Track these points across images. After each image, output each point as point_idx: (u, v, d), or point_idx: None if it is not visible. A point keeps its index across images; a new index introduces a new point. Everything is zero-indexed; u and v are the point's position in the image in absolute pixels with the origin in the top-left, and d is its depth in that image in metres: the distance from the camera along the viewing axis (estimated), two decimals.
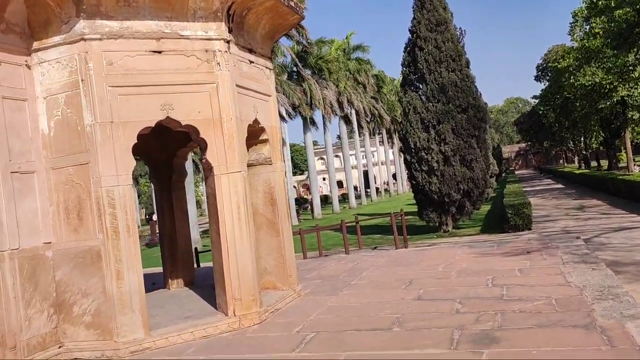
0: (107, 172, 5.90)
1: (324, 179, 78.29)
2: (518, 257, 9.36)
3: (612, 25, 24.96)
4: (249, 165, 7.85)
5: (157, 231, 31.23)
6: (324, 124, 43.79)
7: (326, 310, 6.91)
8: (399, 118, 65.04)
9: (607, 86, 34.47)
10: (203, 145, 6.52)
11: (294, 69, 38.72)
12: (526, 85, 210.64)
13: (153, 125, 6.24)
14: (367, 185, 63.47)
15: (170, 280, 9.25)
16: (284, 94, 32.34)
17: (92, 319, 5.95)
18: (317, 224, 18.26)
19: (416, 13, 19.90)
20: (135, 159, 6.83)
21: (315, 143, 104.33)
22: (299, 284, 8.77)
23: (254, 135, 7.65)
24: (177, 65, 6.37)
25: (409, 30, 20.30)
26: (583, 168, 66.05)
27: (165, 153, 9.08)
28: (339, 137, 50.08)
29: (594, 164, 62.89)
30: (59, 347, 5.99)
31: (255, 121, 7.33)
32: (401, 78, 20.89)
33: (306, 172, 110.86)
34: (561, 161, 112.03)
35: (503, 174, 57.78)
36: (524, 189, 28.30)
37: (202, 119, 6.44)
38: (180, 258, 9.17)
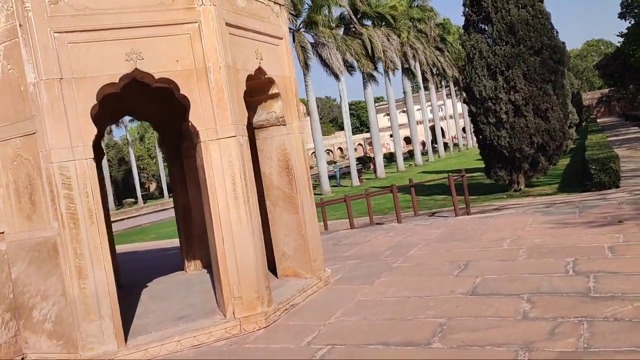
0: (59, 144, 4.61)
1: (391, 135, 75.94)
2: (607, 229, 7.44)
3: None
4: (258, 128, 6.41)
5: None
6: (387, 77, 41.45)
7: (353, 308, 5.45)
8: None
9: None
10: (187, 105, 5.11)
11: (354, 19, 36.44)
12: (607, 26, 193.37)
13: (117, 81, 4.85)
14: (435, 140, 60.70)
15: (187, 262, 8.10)
16: (337, 49, 30.42)
17: (53, 327, 4.80)
18: (368, 190, 16.69)
19: None
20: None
21: (380, 99, 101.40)
22: (334, 264, 7.37)
23: (261, 89, 6.15)
24: (146, 0, 4.93)
25: None
26: None
27: (172, 115, 7.77)
28: (404, 92, 47.47)
29: None
30: (21, 359, 4.92)
31: (259, 71, 5.81)
32: (464, 20, 18.50)
33: None
34: None
35: (583, 123, 53.28)
36: (608, 139, 25.23)
37: (181, 70, 5.00)
38: (196, 235, 7.96)
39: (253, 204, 5.31)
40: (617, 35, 53.62)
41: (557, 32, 16.91)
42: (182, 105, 5.22)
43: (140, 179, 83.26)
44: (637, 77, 55.51)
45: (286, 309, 5.55)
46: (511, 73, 16.48)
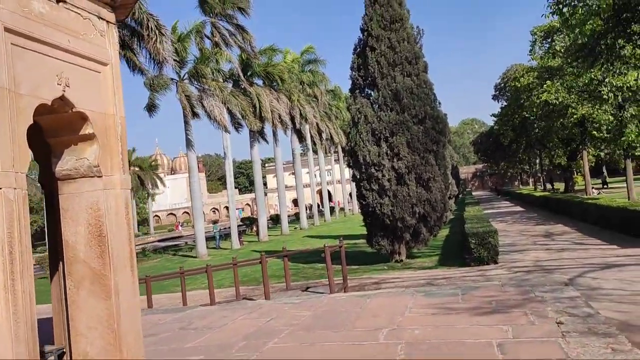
0: None
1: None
2: (493, 318, 6.50)
3: (579, 37, 22.81)
4: (63, 179, 4.74)
5: None
6: (275, 137, 40.83)
7: None
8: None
9: (568, 105, 33.01)
10: None
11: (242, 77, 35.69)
12: (482, 106, 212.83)
13: None
14: (322, 204, 60.66)
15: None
16: (223, 102, 29.20)
17: None
18: (234, 259, 15.11)
19: (368, 9, 17.24)
20: None
21: (270, 160, 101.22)
22: None
23: (69, 127, 4.55)
24: None
25: (360, 28, 17.62)
26: (539, 190, 65.30)
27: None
28: (293, 153, 47.08)
29: (548, 186, 62.11)
30: None
31: (63, 101, 4.23)
32: (351, 83, 18.13)
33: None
34: (516, 183, 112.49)
35: (460, 195, 56.08)
36: (484, 212, 25.96)
37: None
38: None
39: (24, 290, 3.59)
40: (491, 116, 58.00)
41: (440, 103, 16.89)
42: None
43: None
44: (507, 155, 59.89)
45: None
46: (395, 140, 16.11)
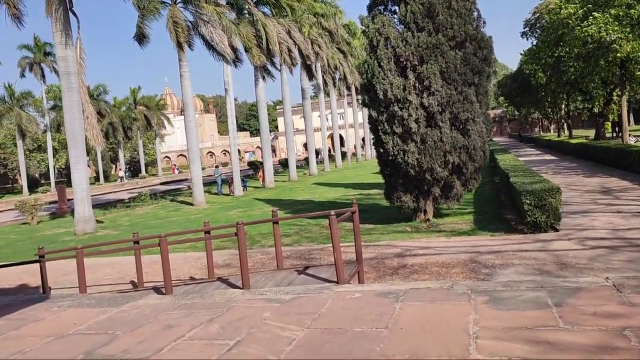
0: None
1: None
2: None
3: None
4: None
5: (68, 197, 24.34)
6: (283, 72, 36.98)
7: None
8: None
9: (613, 42, 28.91)
10: None
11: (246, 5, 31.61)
12: (503, 48, 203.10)
13: None
14: (333, 149, 57.32)
15: None
16: (224, 31, 25.37)
17: None
18: (206, 223, 12.08)
19: None
20: None
21: (279, 103, 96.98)
22: None
23: None
24: None
25: None
26: (563, 136, 61.25)
27: None
28: (302, 91, 43.29)
29: (564, 133, 58.18)
30: None
31: None
32: None
33: (272, 133, 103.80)
34: (536, 129, 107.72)
35: None
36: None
37: None
38: None
39: None
40: (520, 54, 53.30)
41: (484, 23, 13.20)
42: None
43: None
44: (536, 98, 55.66)
45: None
46: (426, 69, 12.61)
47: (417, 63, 12.85)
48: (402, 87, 12.90)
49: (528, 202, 10.63)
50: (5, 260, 13.04)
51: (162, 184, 59.29)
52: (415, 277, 8.08)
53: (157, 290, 7.60)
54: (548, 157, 36.17)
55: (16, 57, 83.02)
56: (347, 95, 63.54)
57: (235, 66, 29.70)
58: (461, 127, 12.87)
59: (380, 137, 13.50)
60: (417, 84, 12.85)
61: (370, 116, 13.82)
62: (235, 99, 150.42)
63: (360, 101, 56.96)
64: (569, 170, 24.20)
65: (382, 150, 13.79)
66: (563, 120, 71.46)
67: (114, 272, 10.73)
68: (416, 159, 12.93)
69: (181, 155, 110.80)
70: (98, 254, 10.72)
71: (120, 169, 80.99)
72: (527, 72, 46.54)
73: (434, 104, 12.66)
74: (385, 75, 13.01)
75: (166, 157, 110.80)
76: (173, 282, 8.50)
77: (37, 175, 78.65)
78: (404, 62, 12.96)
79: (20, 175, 67.35)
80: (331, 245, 11.67)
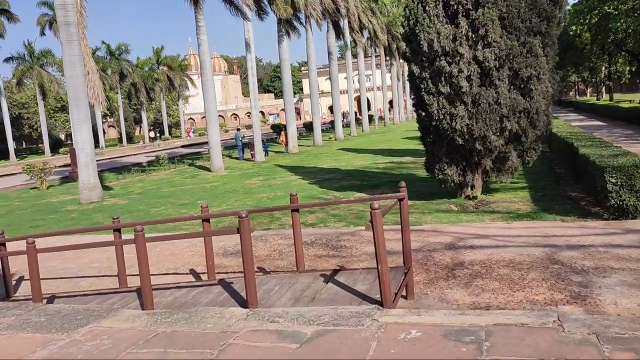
0: None
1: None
2: None
3: None
4: None
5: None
6: (309, 25, 34.42)
7: None
8: (399, 33, 55.53)
9: None
10: None
11: None
12: None
13: None
14: (360, 112, 54.93)
15: None
16: None
17: None
18: (203, 208, 10.26)
19: None
20: None
21: (305, 64, 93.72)
22: None
23: None
24: None
25: None
26: (603, 100, 57.54)
27: None
28: (329, 52, 40.71)
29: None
30: None
31: None
32: None
33: (297, 95, 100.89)
34: (571, 93, 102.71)
35: None
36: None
37: None
38: None
39: None
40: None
41: None
42: None
43: (23, 132, 71.99)
44: (579, 59, 52.06)
45: None
46: (482, 15, 10.34)
47: (470, 7, 10.54)
48: (451, 36, 10.64)
49: (613, 180, 8.45)
50: None
51: (183, 146, 57.88)
52: (479, 283, 6.08)
53: (139, 294, 5.77)
54: (595, 122, 33.29)
55: (35, 14, 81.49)
56: (376, 56, 60.56)
57: (261, 18, 27.35)
58: (522, 86, 10.60)
59: (422, 97, 11.31)
60: (470, 34, 10.56)
61: (411, 72, 11.60)
62: (260, 60, 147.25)
63: (388, 64, 54.03)
64: (629, 139, 21.59)
65: (423, 114, 11.61)
66: (602, 84, 67.40)
67: (104, 257, 8.98)
68: (465, 125, 10.77)
69: (205, 117, 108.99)
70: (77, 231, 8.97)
71: (151, 130, 79.85)
72: (572, 32, 43.03)
73: (491, 58, 10.40)
74: (431, 22, 10.74)
75: (190, 118, 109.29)
76: (162, 281, 6.68)
77: (62, 135, 78.04)
78: (455, 6, 10.66)
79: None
80: (363, 228, 9.78)
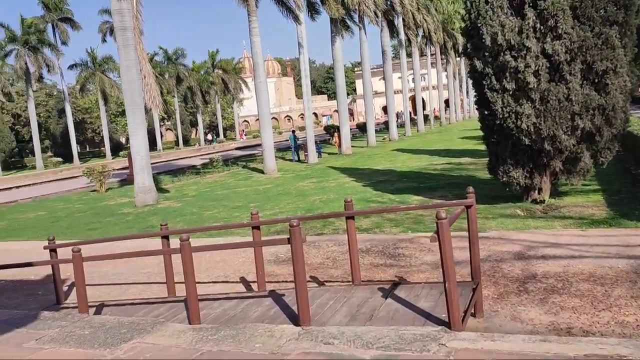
0: None
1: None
2: None
3: None
4: None
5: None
6: (362, 24, 33.84)
7: None
8: (455, 31, 54.07)
9: None
10: None
11: None
12: None
13: None
14: (415, 112, 53.87)
15: None
16: None
17: None
18: (253, 215, 9.91)
19: None
20: None
21: (358, 65, 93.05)
22: None
23: None
24: None
25: None
26: None
27: None
28: (383, 51, 40.01)
29: None
30: None
31: None
32: None
33: (350, 96, 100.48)
34: None
35: None
36: None
37: None
38: None
39: None
40: None
41: None
42: None
43: (87, 135, 74.91)
44: None
45: None
46: (551, 4, 9.58)
47: None
48: (517, 29, 9.91)
49: None
50: (58, 235, 11.64)
51: (237, 148, 58.50)
52: (556, 300, 5.44)
53: (187, 304, 5.47)
54: None
55: (97, 22, 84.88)
56: (431, 54, 59.30)
57: (313, 18, 27.10)
58: (597, 80, 9.75)
59: (485, 94, 10.62)
60: (537, 25, 9.80)
61: (473, 68, 10.94)
62: (313, 62, 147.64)
63: (443, 62, 52.66)
64: None
65: (486, 112, 10.92)
66: None
67: (154, 262, 8.83)
68: (532, 124, 10.01)
69: (259, 119, 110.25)
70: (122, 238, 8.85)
71: (207, 132, 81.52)
72: None
73: (561, 51, 9.60)
74: (494, 13, 10.06)
75: (245, 121, 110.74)
76: (211, 290, 6.39)
77: (122, 139, 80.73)
78: None
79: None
80: (423, 235, 9.20)
